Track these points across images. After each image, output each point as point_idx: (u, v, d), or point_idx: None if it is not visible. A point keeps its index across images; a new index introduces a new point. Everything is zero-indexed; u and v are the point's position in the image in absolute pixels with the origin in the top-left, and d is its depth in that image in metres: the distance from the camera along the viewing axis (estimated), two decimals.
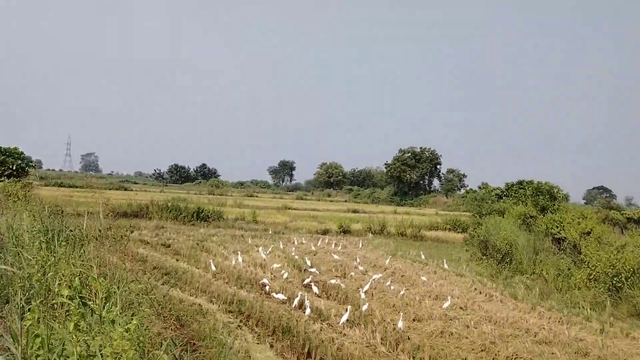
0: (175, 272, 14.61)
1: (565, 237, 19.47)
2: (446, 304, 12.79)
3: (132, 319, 4.24)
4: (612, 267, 15.17)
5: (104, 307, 4.52)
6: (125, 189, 65.75)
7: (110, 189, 55.43)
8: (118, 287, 5.31)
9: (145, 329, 4.56)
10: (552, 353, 9.40)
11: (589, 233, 18.37)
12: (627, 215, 34.38)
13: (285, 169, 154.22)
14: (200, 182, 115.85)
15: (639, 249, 16.16)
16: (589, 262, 16.11)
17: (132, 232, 23.86)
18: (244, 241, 24.32)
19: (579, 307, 13.84)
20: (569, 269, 17.15)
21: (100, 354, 3.08)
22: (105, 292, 4.69)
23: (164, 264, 15.90)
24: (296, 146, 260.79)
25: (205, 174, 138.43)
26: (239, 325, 9.90)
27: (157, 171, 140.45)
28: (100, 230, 7.87)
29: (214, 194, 67.64)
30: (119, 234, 9.57)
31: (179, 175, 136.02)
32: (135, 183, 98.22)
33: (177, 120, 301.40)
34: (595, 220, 20.71)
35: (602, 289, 15.12)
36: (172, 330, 6.76)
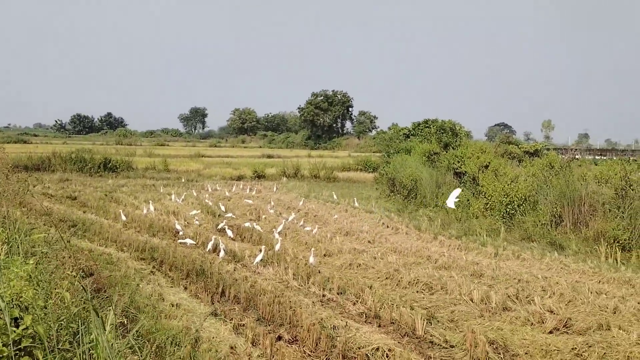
0: (83, 223, 14.19)
1: (465, 171, 20.69)
2: None
3: (37, 266, 4.22)
4: (506, 196, 16.38)
5: (6, 256, 4.44)
6: (25, 142, 62.07)
7: (7, 143, 51.77)
8: (19, 237, 5.20)
9: (49, 275, 4.54)
10: (451, 276, 10.16)
11: (486, 166, 19.60)
12: (524, 149, 36.87)
13: (197, 116, 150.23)
14: (106, 132, 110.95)
15: (530, 179, 17.54)
16: (485, 193, 17.27)
17: (34, 185, 22.81)
18: (156, 190, 23.93)
19: (476, 234, 14.92)
20: (468, 200, 18.34)
21: (0, 297, 3.09)
22: (6, 242, 4.60)
23: (70, 216, 15.37)
24: (207, 92, 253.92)
25: (112, 123, 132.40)
26: (151, 271, 9.89)
27: (59, 122, 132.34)
28: None
29: (121, 144, 65.37)
30: (18, 187, 9.13)
31: (82, 125, 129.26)
32: (36, 135, 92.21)
33: (79, 65, 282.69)
34: (493, 155, 22.11)
35: (497, 217, 16.34)
36: (80, 277, 6.69)
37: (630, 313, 8.14)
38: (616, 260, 12.10)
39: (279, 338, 7.05)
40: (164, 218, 16.03)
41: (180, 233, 13.62)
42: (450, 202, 14.62)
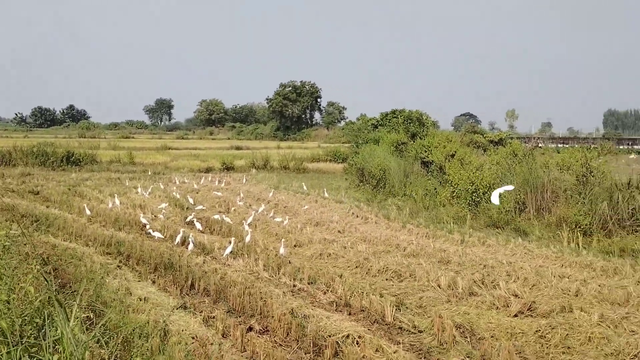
0: (46, 218, 13.88)
1: (432, 160, 20.95)
2: None
3: None
4: (471, 184, 16.62)
5: None
6: None
7: None
8: None
9: (12, 270, 4.44)
10: (419, 264, 10.29)
11: (453, 155, 19.88)
12: (489, 138, 37.41)
13: (162, 107, 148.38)
14: (68, 125, 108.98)
15: (495, 167, 17.85)
16: (452, 181, 17.53)
17: None
18: (121, 183, 23.61)
19: (444, 222, 15.13)
20: (435, 189, 18.58)
21: None
22: None
23: (33, 211, 15.02)
24: (173, 83, 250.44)
25: (74, 116, 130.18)
26: (118, 266, 9.74)
27: (19, 115, 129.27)
28: None
29: (85, 137, 64.55)
30: None
31: (44, 118, 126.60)
32: None
33: (38, 57, 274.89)
34: (459, 144, 22.45)
35: (463, 204, 16.58)
36: (44, 272, 6.56)
37: (591, 295, 8.37)
38: (578, 244, 12.36)
39: (250, 329, 7.05)
40: (130, 212, 15.78)
41: (147, 227, 13.43)
42: (495, 198, 14.36)
